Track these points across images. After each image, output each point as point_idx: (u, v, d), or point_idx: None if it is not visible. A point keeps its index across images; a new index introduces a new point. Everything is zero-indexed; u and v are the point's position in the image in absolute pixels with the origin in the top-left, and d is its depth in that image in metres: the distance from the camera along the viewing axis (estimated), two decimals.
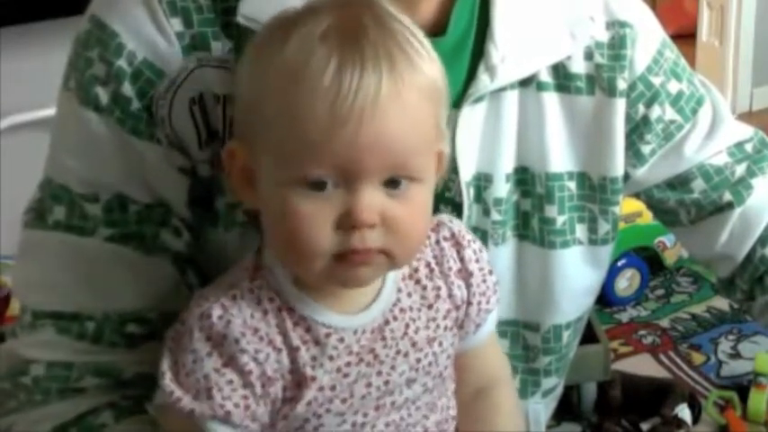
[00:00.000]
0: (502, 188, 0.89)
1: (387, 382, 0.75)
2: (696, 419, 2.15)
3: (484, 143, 0.88)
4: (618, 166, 0.92)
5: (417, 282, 0.78)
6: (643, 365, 2.38)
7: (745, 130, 1.02)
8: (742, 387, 2.22)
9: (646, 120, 0.93)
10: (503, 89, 0.87)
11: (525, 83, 0.88)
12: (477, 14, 0.87)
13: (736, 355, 2.43)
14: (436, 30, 0.84)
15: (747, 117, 3.71)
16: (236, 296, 0.72)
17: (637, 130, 0.93)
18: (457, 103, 0.85)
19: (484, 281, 0.81)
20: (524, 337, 0.96)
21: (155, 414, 0.78)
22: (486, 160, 0.88)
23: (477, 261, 0.81)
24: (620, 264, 2.61)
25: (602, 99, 0.91)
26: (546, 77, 0.89)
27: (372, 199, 0.68)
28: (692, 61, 3.00)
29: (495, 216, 0.89)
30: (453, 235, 0.80)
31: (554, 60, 0.89)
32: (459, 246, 0.80)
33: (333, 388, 0.73)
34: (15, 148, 2.24)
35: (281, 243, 0.72)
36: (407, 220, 0.70)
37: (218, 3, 0.81)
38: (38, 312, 0.83)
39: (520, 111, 0.88)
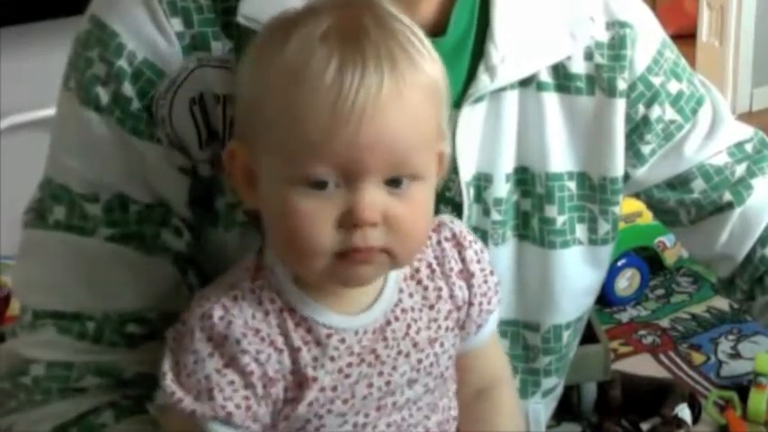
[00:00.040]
0: (502, 188, 0.89)
1: (388, 383, 0.75)
2: (696, 419, 2.15)
3: (484, 143, 0.88)
4: (618, 167, 0.92)
5: (419, 282, 0.78)
6: (643, 365, 2.38)
7: (745, 131, 1.02)
8: (742, 387, 2.22)
9: (646, 120, 0.93)
10: (503, 89, 0.87)
11: (525, 83, 0.88)
12: (477, 14, 0.87)
13: (736, 355, 2.43)
14: (436, 30, 0.84)
15: (747, 117, 3.71)
16: (237, 297, 0.72)
17: (637, 130, 0.93)
18: (457, 103, 0.85)
19: (485, 281, 0.81)
20: (524, 337, 0.96)
21: (156, 414, 0.79)
22: (486, 160, 0.88)
23: (479, 262, 0.81)
24: (620, 264, 2.61)
25: (602, 99, 0.91)
26: (546, 77, 0.89)
27: (374, 197, 0.68)
28: (692, 61, 3.00)
29: (495, 216, 0.89)
30: (455, 235, 0.80)
31: (554, 60, 0.89)
32: (460, 246, 0.80)
33: (334, 388, 0.73)
34: (15, 148, 2.25)
35: (282, 242, 0.71)
36: (409, 219, 0.70)
37: (218, 3, 0.81)
38: (38, 312, 0.83)
39: (520, 111, 0.88)
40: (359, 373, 0.74)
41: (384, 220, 0.69)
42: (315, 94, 0.67)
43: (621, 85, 0.91)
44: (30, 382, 0.82)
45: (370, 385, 0.74)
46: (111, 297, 0.82)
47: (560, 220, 0.92)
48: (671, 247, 2.69)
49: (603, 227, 0.94)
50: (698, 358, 2.42)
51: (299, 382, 0.72)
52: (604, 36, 0.91)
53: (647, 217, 2.43)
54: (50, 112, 0.88)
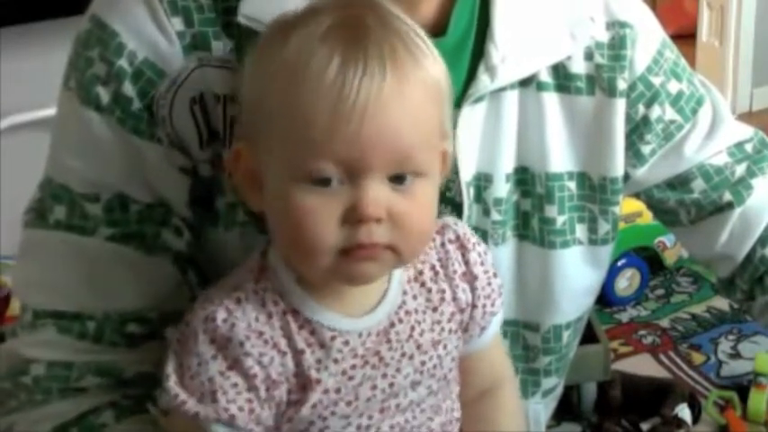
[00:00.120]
0: (502, 188, 0.89)
1: (392, 385, 0.75)
2: (696, 419, 2.15)
3: (484, 143, 0.88)
4: (618, 167, 0.92)
5: (422, 284, 0.78)
6: (643, 365, 2.38)
7: (745, 131, 1.02)
8: (742, 387, 2.22)
9: (646, 120, 0.93)
10: (503, 89, 0.87)
11: (525, 83, 0.88)
12: (478, 15, 0.87)
13: (736, 355, 2.43)
14: (436, 30, 0.84)
15: (747, 117, 3.71)
16: (240, 299, 0.72)
17: (637, 130, 0.93)
18: (457, 103, 0.85)
19: (489, 284, 0.81)
20: (524, 337, 0.96)
21: (158, 415, 0.79)
22: (486, 160, 0.88)
23: (482, 264, 0.81)
24: (620, 264, 2.61)
25: (602, 99, 0.91)
26: (546, 77, 0.89)
27: (378, 193, 0.68)
28: (692, 61, 3.00)
29: (495, 216, 0.89)
30: (458, 238, 0.80)
31: (554, 60, 0.89)
32: (464, 249, 0.80)
33: (338, 391, 0.73)
34: (15, 148, 2.25)
35: (286, 241, 0.71)
36: (413, 216, 0.70)
37: (218, 2, 0.81)
38: (38, 312, 0.83)
39: (520, 111, 0.88)
40: (362, 375, 0.73)
41: (388, 216, 0.69)
42: (316, 92, 0.67)
43: (621, 85, 0.91)
44: (30, 382, 0.82)
45: (374, 387, 0.74)
46: (112, 297, 0.82)
47: (560, 220, 0.92)
48: (671, 247, 2.69)
49: (603, 227, 0.94)
50: (698, 358, 2.42)
51: (303, 384, 0.72)
52: (604, 36, 0.91)
53: (647, 217, 2.43)
54: (50, 112, 0.88)
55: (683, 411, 2.12)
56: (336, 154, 0.67)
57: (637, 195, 1.00)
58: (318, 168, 0.68)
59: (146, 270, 0.82)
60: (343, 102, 0.66)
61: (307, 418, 0.73)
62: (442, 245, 0.80)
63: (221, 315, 0.71)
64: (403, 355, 0.75)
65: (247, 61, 0.74)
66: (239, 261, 0.80)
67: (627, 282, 2.66)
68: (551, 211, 0.91)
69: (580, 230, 0.93)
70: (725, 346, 2.47)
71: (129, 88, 0.80)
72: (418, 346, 0.76)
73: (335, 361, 0.73)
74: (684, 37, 3.71)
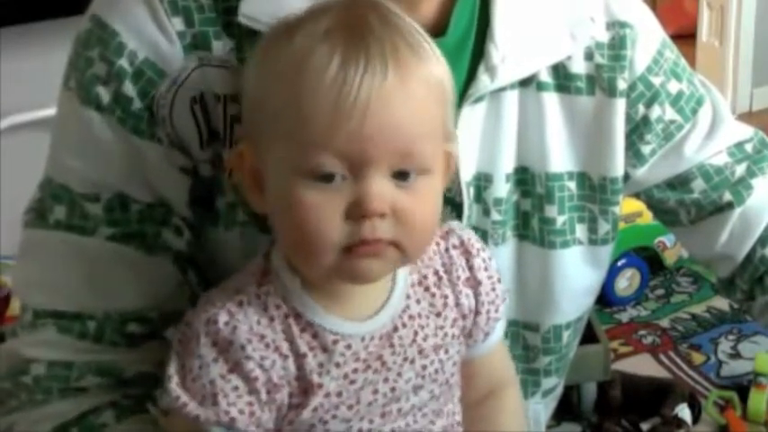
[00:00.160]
0: (502, 188, 0.89)
1: (393, 389, 0.75)
2: (696, 419, 2.15)
3: (484, 143, 0.88)
4: (618, 167, 0.92)
5: (426, 289, 0.78)
6: (643, 365, 2.38)
7: (745, 131, 1.02)
8: (742, 387, 2.23)
9: (646, 120, 0.93)
10: (503, 89, 0.87)
11: (525, 83, 0.88)
12: (478, 14, 0.87)
13: (736, 355, 2.43)
14: (436, 30, 0.84)
15: (747, 117, 3.71)
16: (242, 302, 0.72)
17: (637, 130, 0.93)
18: (457, 103, 0.84)
19: (493, 289, 0.81)
20: (524, 337, 0.96)
21: (158, 415, 0.79)
22: (486, 160, 0.88)
23: (486, 269, 0.81)
24: (620, 264, 2.61)
25: (602, 99, 0.91)
26: (546, 77, 0.89)
27: (382, 188, 0.68)
28: (692, 61, 3.00)
29: (495, 216, 0.89)
30: (463, 243, 0.80)
31: (554, 60, 0.89)
32: (468, 254, 0.80)
33: (339, 394, 0.73)
34: (15, 148, 2.25)
35: (290, 238, 0.71)
36: (417, 212, 0.70)
37: (219, 2, 0.81)
38: (39, 312, 0.83)
39: (520, 111, 0.88)
40: (364, 379, 0.73)
41: (392, 212, 0.69)
42: (318, 88, 0.67)
43: (621, 85, 0.91)
44: (30, 382, 0.82)
45: (376, 391, 0.74)
46: (112, 296, 0.82)
47: (560, 220, 0.92)
48: (671, 247, 2.69)
49: (603, 227, 0.94)
50: (698, 358, 2.42)
51: (304, 388, 0.72)
52: (605, 36, 0.91)
53: (647, 217, 2.43)
54: (50, 112, 0.88)
55: (683, 411, 2.12)
56: (338, 149, 0.67)
57: (637, 195, 1.00)
58: (321, 163, 0.68)
59: (146, 270, 0.82)
60: (344, 99, 0.67)
61: (308, 421, 0.73)
62: (447, 250, 0.80)
63: (223, 318, 0.71)
64: (405, 359, 0.75)
65: (250, 62, 0.74)
66: (239, 261, 0.80)
67: (627, 282, 2.66)
68: (551, 211, 0.91)
69: (580, 230, 0.93)
70: (725, 346, 2.47)
71: (129, 88, 0.80)
72: (420, 351, 0.76)
73: (337, 365, 0.72)
74: (684, 37, 3.71)
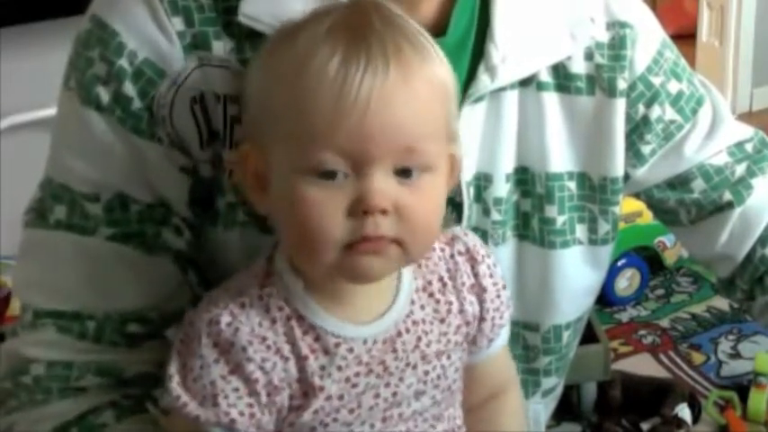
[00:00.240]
0: (502, 188, 0.89)
1: (395, 394, 0.75)
2: (696, 419, 2.15)
3: (484, 143, 0.88)
4: (618, 167, 0.92)
5: (431, 295, 0.78)
6: (643, 365, 2.38)
7: (746, 130, 1.02)
8: (742, 387, 2.22)
9: (646, 120, 0.93)
10: (503, 89, 0.87)
11: (525, 83, 0.88)
12: (478, 14, 0.87)
13: (736, 354, 2.43)
14: (437, 30, 0.84)
15: (747, 117, 3.71)
16: (245, 304, 0.72)
17: (637, 130, 0.93)
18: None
19: (498, 296, 0.81)
20: (524, 337, 0.96)
21: (158, 414, 0.79)
22: (486, 160, 0.88)
23: (491, 276, 0.81)
24: (620, 264, 2.61)
25: (602, 99, 0.91)
26: (546, 77, 0.89)
27: (383, 185, 0.68)
28: (692, 61, 3.00)
29: (495, 216, 0.89)
30: (468, 250, 0.80)
31: (554, 60, 0.89)
32: (473, 261, 0.80)
33: (341, 398, 0.72)
34: (15, 148, 2.25)
35: (292, 236, 0.71)
36: (420, 209, 0.70)
37: (219, 2, 0.81)
38: (39, 311, 0.83)
39: (520, 111, 0.88)
40: (366, 383, 0.73)
41: (395, 209, 0.69)
42: (319, 87, 0.67)
43: (621, 84, 0.91)
44: (30, 382, 0.82)
45: (377, 396, 0.74)
46: (112, 296, 0.82)
47: (560, 220, 0.92)
48: (671, 247, 2.69)
49: (603, 227, 0.94)
50: (698, 358, 2.42)
51: (305, 390, 0.72)
52: (605, 36, 0.91)
53: (647, 217, 2.43)
54: (50, 112, 0.88)
55: (683, 411, 2.12)
56: (340, 146, 0.67)
57: (637, 195, 1.00)
58: (323, 160, 0.68)
59: (146, 270, 0.82)
60: (345, 97, 0.67)
61: (308, 424, 0.72)
62: (452, 256, 0.80)
63: (225, 319, 0.71)
64: (407, 364, 0.75)
65: (253, 65, 0.75)
66: (239, 261, 0.80)
67: (627, 282, 2.66)
68: (551, 211, 0.91)
69: (580, 230, 0.93)
70: (725, 345, 2.47)
71: (129, 88, 0.80)
72: (423, 357, 0.76)
73: (339, 368, 0.72)
74: (684, 37, 3.71)
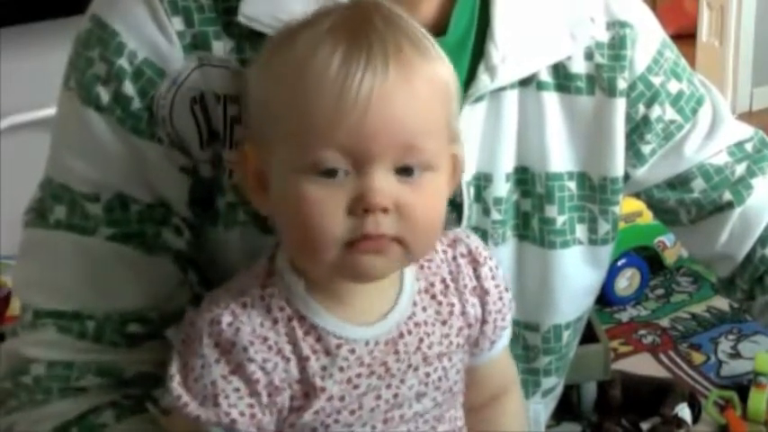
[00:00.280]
0: (502, 188, 0.89)
1: (396, 396, 0.75)
2: (696, 419, 2.15)
3: (484, 143, 0.88)
4: (618, 167, 0.92)
5: (433, 297, 0.78)
6: (643, 365, 2.38)
7: (746, 130, 1.02)
8: (742, 387, 2.22)
9: (646, 120, 0.93)
10: (503, 89, 0.87)
11: (525, 82, 0.88)
12: (478, 14, 0.87)
13: (736, 354, 2.43)
14: (437, 30, 0.84)
15: (747, 117, 3.71)
16: (246, 304, 0.72)
17: (637, 129, 0.93)
18: None
19: (500, 298, 0.81)
20: (524, 337, 0.96)
21: (157, 414, 0.79)
22: (485, 160, 0.88)
23: (494, 278, 0.81)
24: (620, 264, 2.61)
25: (602, 99, 0.91)
26: (546, 77, 0.89)
27: (384, 183, 0.68)
28: (692, 61, 3.00)
29: (495, 216, 0.89)
30: (470, 252, 0.80)
31: (554, 60, 0.89)
32: (475, 263, 0.80)
33: (342, 399, 0.72)
34: (15, 148, 2.25)
35: (293, 235, 0.71)
36: (421, 208, 0.70)
37: (219, 2, 0.81)
38: (39, 311, 0.83)
39: (520, 110, 0.89)
40: (368, 384, 0.73)
41: (396, 207, 0.69)
42: (320, 85, 0.67)
43: (621, 84, 0.91)
44: (30, 382, 0.82)
45: (378, 397, 0.74)
46: (112, 296, 0.82)
47: (560, 220, 0.92)
48: (671, 246, 2.69)
49: (603, 227, 0.94)
50: (698, 358, 2.42)
51: (306, 391, 0.72)
52: (605, 36, 0.91)
53: (647, 217, 2.43)
54: (50, 112, 0.88)
55: (683, 411, 2.12)
56: (340, 144, 0.67)
57: (637, 195, 1.00)
58: (324, 158, 0.68)
59: (146, 270, 0.82)
60: (345, 95, 0.67)
61: (309, 424, 0.72)
62: (454, 258, 0.80)
63: (227, 319, 0.71)
64: (409, 366, 0.75)
65: (254, 66, 0.75)
66: (239, 261, 0.80)
67: (627, 282, 2.65)
68: (551, 211, 0.91)
69: (580, 230, 0.93)
70: (725, 345, 2.47)
71: (129, 88, 0.80)
72: (425, 359, 0.76)
73: (341, 369, 0.72)
74: (684, 37, 3.71)
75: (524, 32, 0.87)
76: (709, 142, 0.97)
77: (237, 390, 0.70)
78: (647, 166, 0.96)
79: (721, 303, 2.63)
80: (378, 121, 0.67)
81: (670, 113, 0.95)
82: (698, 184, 0.98)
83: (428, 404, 0.77)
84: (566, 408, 2.13)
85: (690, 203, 0.99)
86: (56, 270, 0.82)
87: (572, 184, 0.92)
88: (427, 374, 0.76)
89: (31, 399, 0.82)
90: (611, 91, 0.91)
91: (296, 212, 0.69)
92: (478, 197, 0.88)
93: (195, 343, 0.71)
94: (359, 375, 0.73)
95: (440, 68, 0.72)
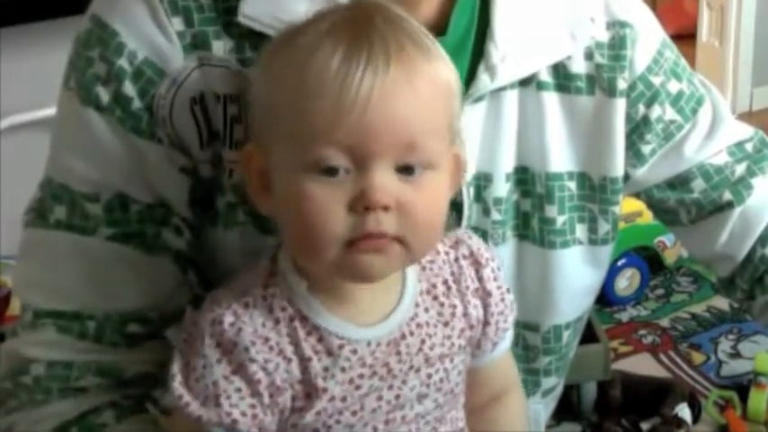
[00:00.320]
0: (502, 188, 0.89)
1: (398, 397, 0.75)
2: (696, 419, 2.15)
3: (484, 142, 0.88)
4: (618, 166, 0.92)
5: (435, 298, 0.78)
6: (643, 365, 2.38)
7: (746, 130, 1.02)
8: (742, 387, 2.22)
9: (646, 120, 0.93)
10: (503, 89, 0.87)
11: (525, 82, 0.88)
12: (478, 14, 0.87)
13: (736, 354, 2.43)
14: (437, 30, 0.84)
15: (747, 117, 3.71)
16: (248, 304, 0.72)
17: (637, 129, 0.93)
18: None
19: (502, 300, 0.81)
20: (524, 337, 0.96)
21: (160, 415, 0.79)
22: (485, 160, 0.88)
23: (496, 280, 0.81)
24: (620, 263, 2.61)
25: (602, 99, 0.91)
26: (546, 77, 0.89)
27: (385, 181, 0.68)
28: (692, 61, 3.00)
29: (495, 216, 0.89)
30: (472, 253, 0.80)
31: (554, 60, 0.89)
32: (477, 264, 0.80)
33: (344, 399, 0.72)
34: (15, 148, 2.25)
35: (294, 233, 0.71)
36: (422, 206, 0.70)
37: (219, 2, 0.81)
38: (39, 311, 0.83)
39: (520, 110, 0.89)
40: (370, 385, 0.73)
41: (397, 206, 0.69)
42: (321, 83, 0.67)
43: (621, 84, 0.91)
44: (30, 382, 0.82)
45: (380, 398, 0.74)
46: (113, 296, 0.82)
47: (560, 220, 0.92)
48: (671, 246, 2.69)
49: (603, 227, 0.94)
50: (698, 358, 2.42)
51: (308, 391, 0.72)
52: (605, 36, 0.91)
53: (647, 217, 2.43)
54: (50, 112, 0.88)
55: (683, 411, 2.12)
56: (341, 141, 0.67)
57: (637, 195, 1.00)
58: (324, 156, 0.68)
59: (146, 270, 0.82)
60: (346, 93, 0.67)
61: (311, 425, 0.72)
62: (456, 260, 0.80)
63: (229, 319, 0.71)
64: (411, 367, 0.75)
65: (256, 66, 0.75)
66: (239, 261, 0.80)
67: (627, 281, 2.65)
68: (551, 210, 0.91)
69: (580, 230, 0.93)
70: (725, 345, 2.46)
71: (129, 88, 0.80)
72: (426, 360, 0.76)
73: (343, 369, 0.72)
74: (684, 37, 3.71)
75: (524, 32, 0.87)
76: (709, 142, 0.97)
77: (239, 390, 0.70)
78: (647, 166, 0.96)
79: (721, 303, 2.63)
80: (378, 119, 0.67)
81: (670, 113, 0.95)
82: (698, 184, 0.98)
83: (429, 405, 0.77)
84: (566, 408, 2.13)
85: (690, 203, 0.99)
86: (56, 270, 0.82)
87: (572, 184, 0.92)
88: (429, 376, 0.76)
89: (31, 399, 0.82)
90: (611, 91, 0.91)
91: (297, 211, 0.69)
92: (478, 197, 0.88)
93: (197, 343, 0.71)
94: (361, 376, 0.73)
95: (442, 68, 0.72)
